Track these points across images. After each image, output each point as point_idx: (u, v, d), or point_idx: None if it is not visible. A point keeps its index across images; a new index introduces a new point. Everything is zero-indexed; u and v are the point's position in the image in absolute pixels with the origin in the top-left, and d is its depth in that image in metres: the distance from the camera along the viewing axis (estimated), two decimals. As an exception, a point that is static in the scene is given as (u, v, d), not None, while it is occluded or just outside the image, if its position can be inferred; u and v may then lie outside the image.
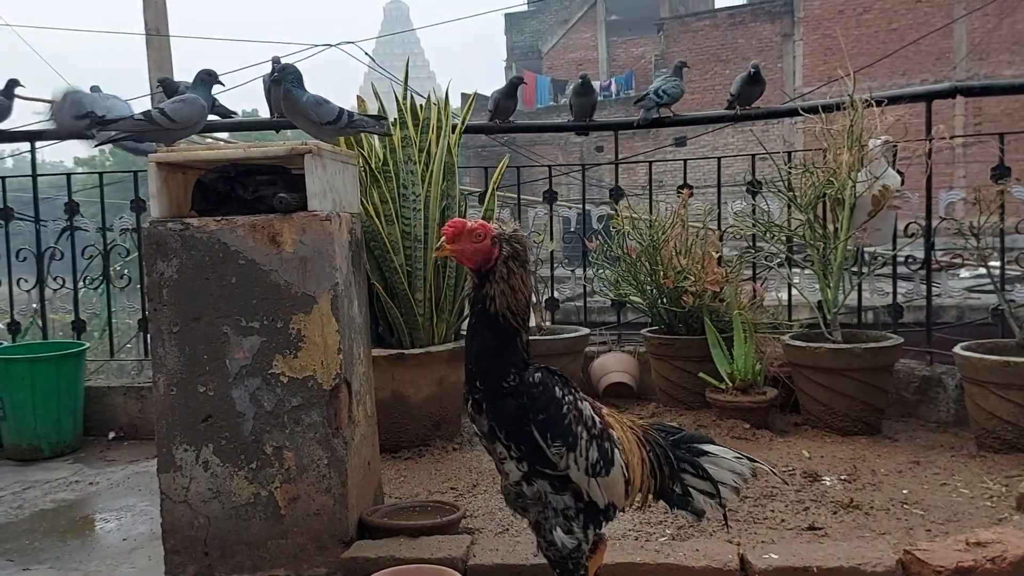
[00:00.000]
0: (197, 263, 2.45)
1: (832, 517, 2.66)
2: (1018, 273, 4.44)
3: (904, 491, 2.86)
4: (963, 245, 3.39)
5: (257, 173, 2.63)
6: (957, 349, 3.28)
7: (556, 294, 4.84)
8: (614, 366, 4.39)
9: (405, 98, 3.60)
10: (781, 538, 2.51)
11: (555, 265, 4.77)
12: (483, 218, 3.75)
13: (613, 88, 25.89)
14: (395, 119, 3.59)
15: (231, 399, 2.46)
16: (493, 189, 3.80)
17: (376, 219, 3.40)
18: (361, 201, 3.38)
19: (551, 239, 4.64)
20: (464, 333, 3.95)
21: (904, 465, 3.12)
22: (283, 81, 2.74)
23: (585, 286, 4.81)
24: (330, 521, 2.49)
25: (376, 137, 3.64)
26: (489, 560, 2.31)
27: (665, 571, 2.23)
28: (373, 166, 3.49)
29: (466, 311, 3.86)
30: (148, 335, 4.29)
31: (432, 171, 3.54)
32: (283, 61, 3.64)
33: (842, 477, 3.00)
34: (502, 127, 4.45)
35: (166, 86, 3.91)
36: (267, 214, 2.47)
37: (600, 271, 4.53)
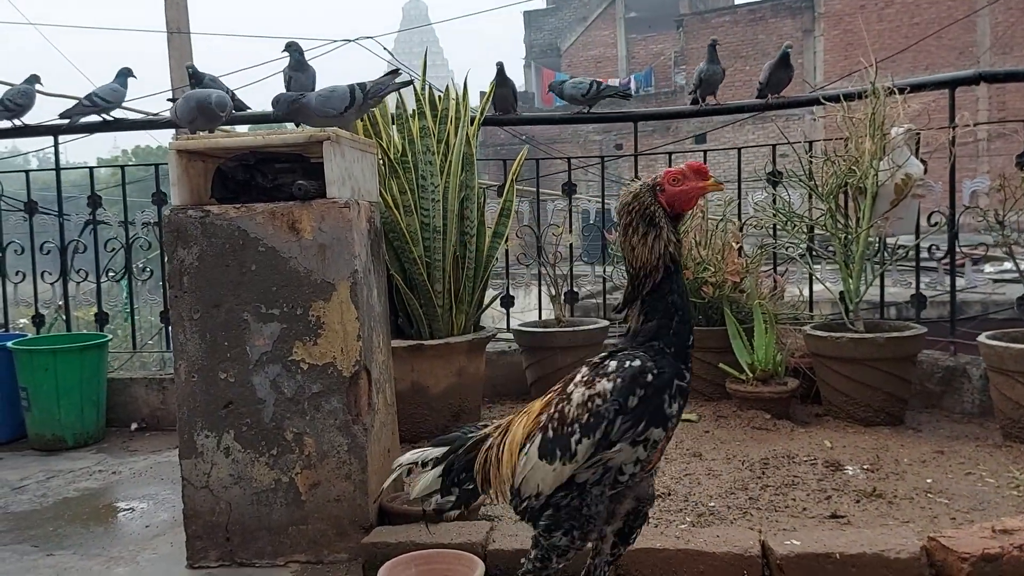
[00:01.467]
0: (217, 250, 2.47)
1: (855, 506, 2.63)
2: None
3: (928, 480, 2.83)
4: (987, 238, 3.33)
5: (276, 161, 2.65)
6: (982, 338, 3.23)
7: (576, 289, 4.82)
8: (633, 358, 4.36)
9: (424, 88, 3.60)
10: (803, 526, 2.48)
11: (574, 260, 4.75)
12: (502, 210, 3.75)
13: (633, 85, 25.78)
14: (414, 110, 3.60)
15: (252, 385, 2.48)
16: (512, 179, 3.80)
17: (395, 210, 3.41)
18: (380, 192, 3.39)
19: (571, 231, 4.63)
20: (483, 325, 3.97)
21: (928, 455, 3.08)
22: (293, 99, 2.81)
23: (605, 280, 4.80)
24: (350, 507, 2.50)
25: (395, 128, 3.65)
26: (509, 545, 2.30)
27: (685, 557, 2.22)
28: (392, 157, 3.50)
29: (485, 301, 3.87)
30: (168, 325, 4.32)
31: (451, 162, 3.54)
32: (296, 46, 3.68)
33: (865, 466, 2.97)
34: (519, 119, 4.45)
35: (192, 75, 4.00)
36: (286, 202, 2.48)
37: (620, 263, 4.52)
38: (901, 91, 3.55)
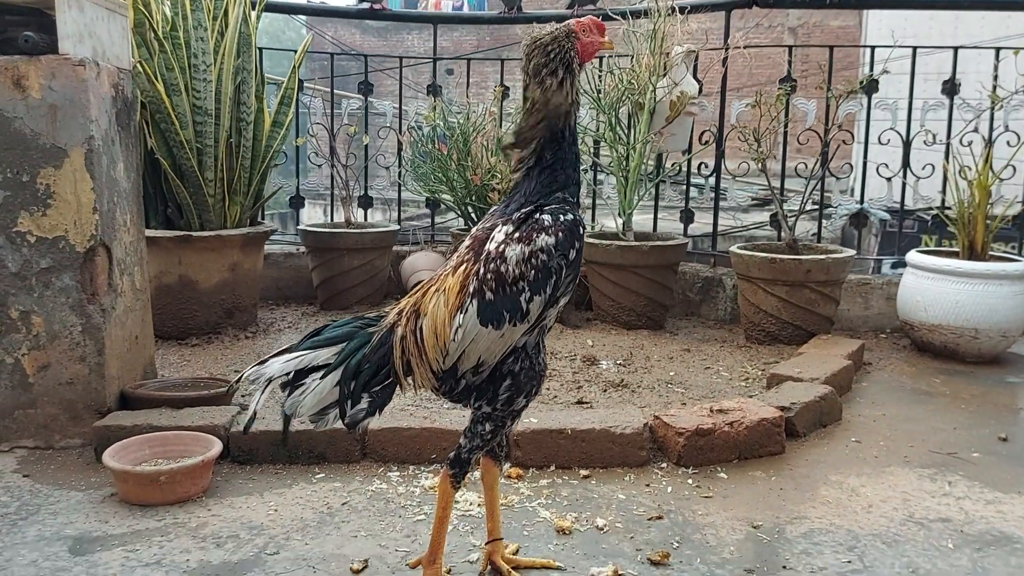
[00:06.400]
0: (-75, 104, 2.20)
1: (602, 394, 2.80)
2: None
3: (671, 373, 3.05)
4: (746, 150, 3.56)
5: (8, 13, 2.37)
6: (733, 248, 3.49)
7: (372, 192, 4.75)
8: (423, 264, 4.37)
9: (196, -43, 3.34)
10: (550, 411, 2.61)
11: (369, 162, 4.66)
12: (281, 98, 3.60)
13: (466, 7, 25.42)
14: (188, -17, 3.34)
15: (-32, 257, 2.25)
16: (295, 67, 3.63)
17: (158, 85, 3.17)
18: (142, 65, 3.15)
19: (366, 133, 4.53)
20: (261, 220, 3.83)
21: (676, 353, 3.31)
22: None
23: (400, 184, 4.74)
24: (85, 391, 2.36)
25: (168, 1, 3.38)
26: (255, 427, 2.25)
27: (430, 434, 2.28)
28: (160, 30, 3.24)
29: (262, 196, 3.72)
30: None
31: (227, 41, 3.33)
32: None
33: (618, 362, 3.15)
34: (302, 7, 4.26)
35: None
36: (13, 56, 2.24)
37: (415, 167, 4.48)
38: (682, 11, 3.68)
